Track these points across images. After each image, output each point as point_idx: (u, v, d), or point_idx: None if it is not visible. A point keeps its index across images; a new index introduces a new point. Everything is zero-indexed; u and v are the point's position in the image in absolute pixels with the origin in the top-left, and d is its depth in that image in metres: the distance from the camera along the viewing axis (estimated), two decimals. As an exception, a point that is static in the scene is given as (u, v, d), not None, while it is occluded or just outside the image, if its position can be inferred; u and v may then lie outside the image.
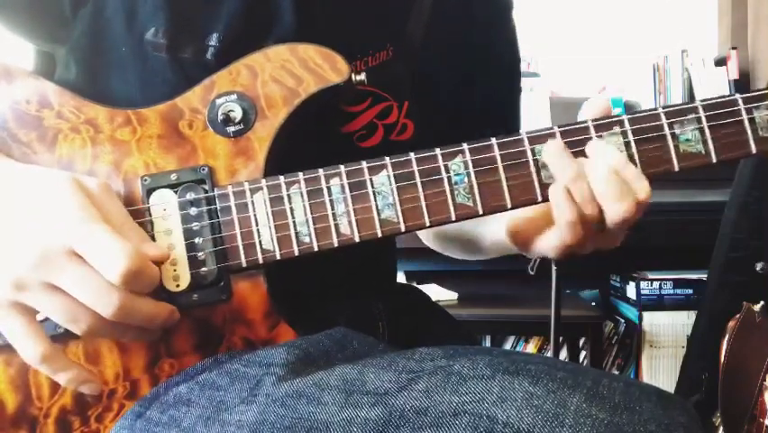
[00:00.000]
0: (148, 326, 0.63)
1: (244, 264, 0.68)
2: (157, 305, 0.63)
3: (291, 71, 0.73)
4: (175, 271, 0.67)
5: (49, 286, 0.59)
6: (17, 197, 0.62)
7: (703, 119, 0.70)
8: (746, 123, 0.71)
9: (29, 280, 0.59)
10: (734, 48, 2.90)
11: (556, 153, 0.69)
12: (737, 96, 0.71)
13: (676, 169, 0.70)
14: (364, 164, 0.69)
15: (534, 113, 2.89)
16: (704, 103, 0.71)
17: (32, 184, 0.63)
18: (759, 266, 1.56)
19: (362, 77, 0.76)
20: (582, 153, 0.69)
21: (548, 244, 0.72)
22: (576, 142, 0.70)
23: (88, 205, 0.61)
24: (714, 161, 0.71)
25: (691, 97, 2.90)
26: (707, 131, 0.70)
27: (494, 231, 0.85)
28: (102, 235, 0.59)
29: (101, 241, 0.59)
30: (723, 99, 0.71)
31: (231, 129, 0.71)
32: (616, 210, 0.67)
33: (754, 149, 0.71)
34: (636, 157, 0.70)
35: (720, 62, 2.92)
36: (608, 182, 0.67)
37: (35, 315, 0.61)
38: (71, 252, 0.59)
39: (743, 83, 2.88)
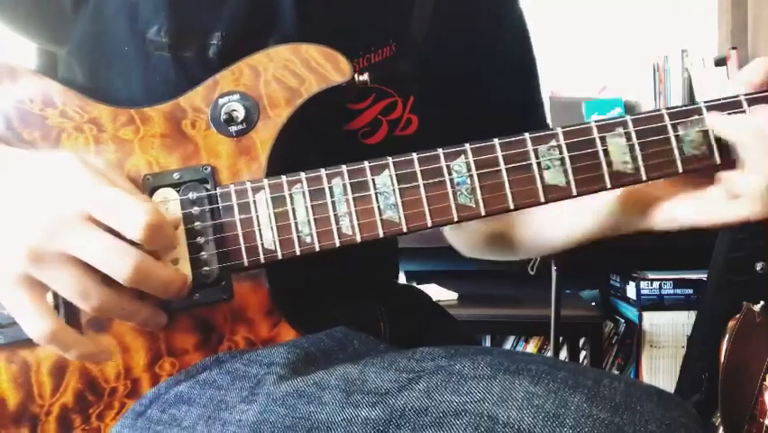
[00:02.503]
0: (162, 294, 0.62)
1: (246, 264, 0.68)
2: (171, 270, 0.63)
3: (294, 71, 0.73)
4: (177, 269, 0.67)
5: (63, 256, 0.58)
6: (28, 174, 0.62)
7: (707, 120, 0.69)
8: None
9: (44, 250, 0.58)
10: (734, 48, 2.90)
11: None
12: (741, 96, 0.70)
13: (680, 170, 0.69)
14: (366, 164, 0.69)
15: (534, 113, 2.88)
16: (708, 104, 0.70)
17: (41, 162, 0.63)
18: (759, 266, 1.55)
19: (365, 77, 0.76)
20: (592, 155, 0.69)
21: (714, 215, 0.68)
22: (579, 143, 0.69)
23: (98, 174, 0.61)
24: (718, 162, 0.69)
25: (691, 97, 2.90)
26: (710, 132, 0.69)
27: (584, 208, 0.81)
28: (118, 195, 0.59)
29: (118, 200, 0.59)
30: (727, 100, 0.70)
31: (233, 129, 0.71)
32: None
33: None
34: (640, 159, 0.69)
35: (720, 62, 2.91)
36: None
37: (44, 292, 0.61)
38: (87, 216, 0.58)
39: (743, 83, 2.87)
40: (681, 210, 0.71)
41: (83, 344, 0.62)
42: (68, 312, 0.63)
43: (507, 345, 2.94)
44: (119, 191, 0.59)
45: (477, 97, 0.94)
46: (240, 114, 0.71)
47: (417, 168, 0.69)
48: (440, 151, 0.69)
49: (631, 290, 2.75)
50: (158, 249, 0.60)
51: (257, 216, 0.68)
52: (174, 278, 0.62)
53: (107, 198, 0.59)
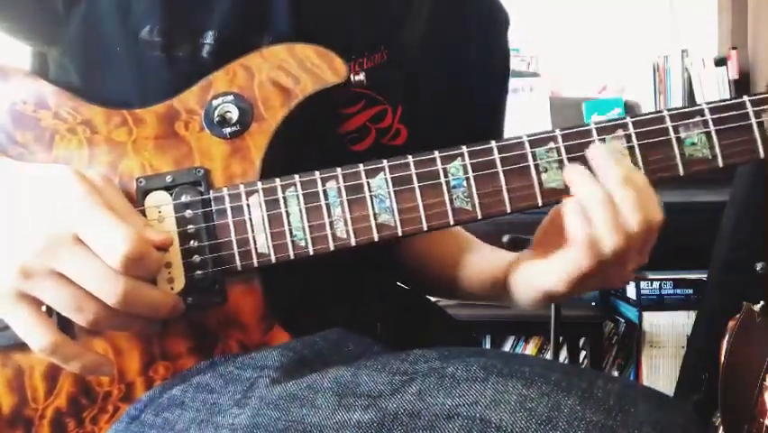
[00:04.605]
0: (153, 315, 0.63)
1: (239, 268, 0.68)
2: (161, 294, 0.63)
3: (288, 71, 0.72)
4: (170, 273, 0.67)
5: (54, 274, 0.59)
6: (21, 189, 0.62)
7: (710, 122, 0.69)
8: (755, 126, 0.69)
9: (35, 268, 0.59)
10: (734, 48, 2.90)
11: (581, 177, 0.66)
12: (745, 98, 0.69)
13: (681, 173, 0.69)
14: (361, 167, 0.69)
15: (534, 113, 2.89)
16: (710, 105, 0.69)
17: (34, 177, 0.63)
18: (759, 266, 1.55)
19: (362, 77, 0.75)
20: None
21: (553, 272, 0.69)
22: (578, 145, 0.69)
23: (92, 192, 0.61)
24: (721, 165, 0.69)
25: (691, 97, 2.90)
26: (713, 135, 0.69)
27: (486, 269, 0.85)
28: (104, 221, 0.59)
29: (103, 226, 0.59)
30: (730, 102, 0.69)
31: (227, 130, 0.71)
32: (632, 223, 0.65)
33: (762, 153, 0.69)
34: (640, 162, 0.68)
35: (720, 62, 2.92)
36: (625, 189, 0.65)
37: (41, 306, 0.61)
38: (76, 238, 0.59)
39: (743, 83, 2.88)
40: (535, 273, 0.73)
41: (84, 357, 0.62)
42: (61, 319, 0.63)
43: (507, 346, 2.94)
44: (107, 216, 0.59)
45: (463, 116, 0.94)
46: (234, 115, 0.71)
47: (413, 171, 0.69)
48: (436, 153, 0.69)
49: (631, 290, 2.74)
50: (141, 276, 0.60)
51: (250, 220, 0.68)
52: (163, 301, 0.63)
53: (94, 223, 0.59)
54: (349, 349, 0.68)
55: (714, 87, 2.87)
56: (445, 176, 0.69)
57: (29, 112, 0.71)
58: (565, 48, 3.12)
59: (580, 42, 3.12)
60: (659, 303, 2.66)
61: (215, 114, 0.71)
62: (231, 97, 0.71)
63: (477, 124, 0.95)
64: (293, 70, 0.72)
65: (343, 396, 0.57)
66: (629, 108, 2.99)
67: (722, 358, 1.46)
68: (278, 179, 0.68)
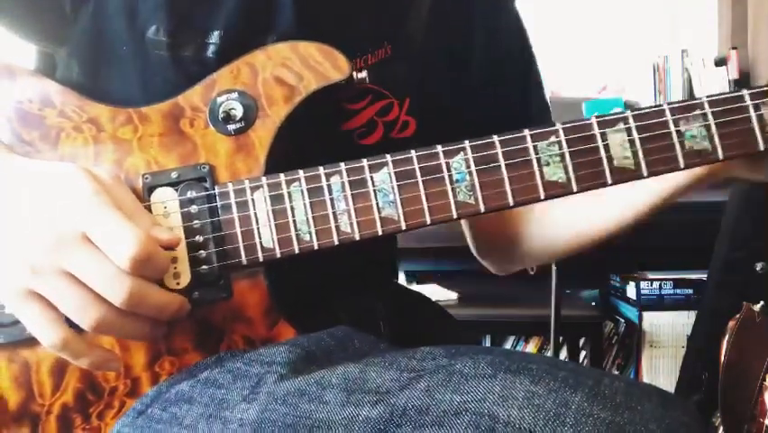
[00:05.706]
0: (158, 316, 0.62)
1: (245, 262, 0.68)
2: (168, 294, 0.63)
3: (292, 69, 0.73)
4: (176, 268, 0.67)
5: (62, 272, 0.59)
6: (29, 186, 0.62)
7: (709, 115, 0.69)
8: (754, 119, 0.69)
9: (43, 265, 0.59)
10: (734, 48, 2.90)
11: None
12: (744, 91, 0.70)
13: (682, 166, 0.69)
14: (365, 162, 0.69)
15: (534, 113, 2.88)
16: (710, 99, 0.70)
17: (43, 174, 0.63)
18: (759, 266, 1.55)
19: (364, 74, 0.76)
20: (592, 151, 0.68)
21: None
22: (580, 139, 0.69)
23: (100, 191, 0.61)
24: (721, 158, 0.69)
25: (691, 97, 2.90)
26: (713, 127, 0.69)
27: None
28: (113, 220, 0.59)
29: (112, 225, 0.59)
30: (729, 95, 0.70)
31: (232, 127, 0.71)
32: None
33: (761, 145, 0.69)
34: (641, 155, 0.69)
35: (720, 62, 2.92)
36: None
37: (50, 303, 0.61)
38: (84, 237, 0.59)
39: (743, 83, 2.88)
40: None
41: (93, 353, 0.62)
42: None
43: (507, 346, 2.94)
44: (115, 216, 0.59)
45: (478, 104, 0.93)
46: (238, 112, 0.71)
47: (416, 165, 0.69)
48: (439, 148, 0.69)
49: (631, 290, 2.74)
50: (149, 276, 0.60)
51: (255, 215, 0.68)
52: (169, 302, 0.63)
53: (102, 222, 0.59)
54: (355, 346, 0.68)
55: (714, 87, 2.86)
56: (448, 170, 0.69)
57: (34, 110, 0.71)
58: (565, 48, 3.12)
59: (580, 42, 3.12)
60: (659, 303, 2.66)
61: (220, 111, 0.71)
62: (235, 95, 0.72)
63: (503, 107, 0.93)
64: (296, 68, 0.73)
65: (352, 392, 0.57)
66: (629, 108, 2.99)
67: (722, 358, 1.46)
68: (282, 175, 0.69)
